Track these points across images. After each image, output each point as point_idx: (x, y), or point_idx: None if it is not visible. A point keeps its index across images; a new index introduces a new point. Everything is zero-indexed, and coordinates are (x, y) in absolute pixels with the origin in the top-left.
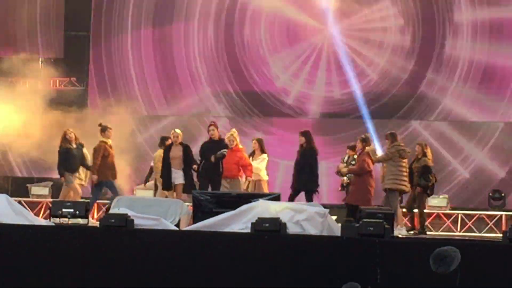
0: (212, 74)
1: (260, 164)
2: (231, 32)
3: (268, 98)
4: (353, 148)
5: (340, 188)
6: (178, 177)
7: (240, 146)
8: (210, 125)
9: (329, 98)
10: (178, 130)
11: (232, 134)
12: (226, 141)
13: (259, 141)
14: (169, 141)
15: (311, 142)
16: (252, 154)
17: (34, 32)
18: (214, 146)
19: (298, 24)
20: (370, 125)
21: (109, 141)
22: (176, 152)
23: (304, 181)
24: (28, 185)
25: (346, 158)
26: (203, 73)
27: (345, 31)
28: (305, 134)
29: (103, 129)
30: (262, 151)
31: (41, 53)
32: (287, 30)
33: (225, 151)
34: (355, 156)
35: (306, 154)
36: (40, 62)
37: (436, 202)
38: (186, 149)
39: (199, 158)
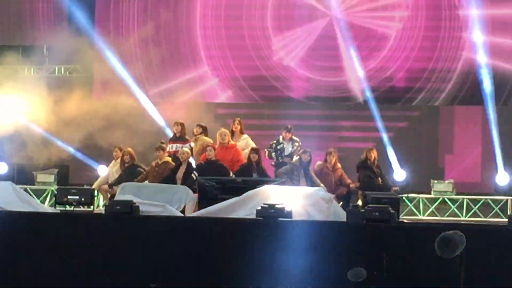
0: (217, 57)
1: (249, 143)
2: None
3: (270, 83)
4: (290, 130)
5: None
6: None
7: (232, 142)
8: (207, 145)
9: (333, 83)
10: (186, 149)
11: (224, 131)
12: (219, 137)
13: (241, 123)
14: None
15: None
16: (232, 134)
17: (37, 19)
18: (212, 167)
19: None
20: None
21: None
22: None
23: None
24: (33, 172)
25: (281, 139)
26: (206, 54)
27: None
28: (258, 151)
29: None
30: (241, 132)
31: (45, 40)
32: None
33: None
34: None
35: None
36: (44, 50)
37: (442, 187)
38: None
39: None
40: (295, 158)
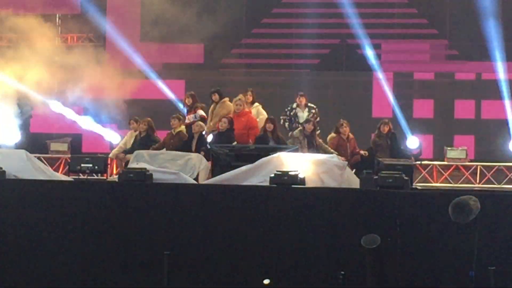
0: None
1: (259, 111)
2: None
3: None
4: (303, 95)
5: None
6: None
7: (247, 110)
8: (223, 116)
9: None
10: (200, 122)
11: (240, 99)
12: (234, 106)
13: (253, 93)
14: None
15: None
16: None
17: None
18: (223, 137)
19: None
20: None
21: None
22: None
23: None
24: (47, 141)
25: (294, 105)
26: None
27: None
28: (274, 121)
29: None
30: (253, 101)
31: (58, 9)
32: None
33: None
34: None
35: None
36: (57, 19)
37: (455, 154)
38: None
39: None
40: (298, 130)
